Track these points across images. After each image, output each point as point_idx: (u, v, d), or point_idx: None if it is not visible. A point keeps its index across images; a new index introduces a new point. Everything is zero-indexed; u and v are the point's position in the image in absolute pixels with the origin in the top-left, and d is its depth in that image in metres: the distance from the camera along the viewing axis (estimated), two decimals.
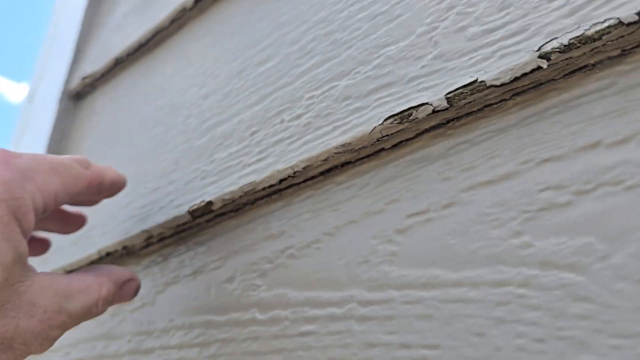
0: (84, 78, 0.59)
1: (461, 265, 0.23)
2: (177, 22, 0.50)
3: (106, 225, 0.45)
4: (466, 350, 0.22)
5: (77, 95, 0.62)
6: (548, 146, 0.22)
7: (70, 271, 0.48)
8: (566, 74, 0.23)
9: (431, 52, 0.27)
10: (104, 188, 0.32)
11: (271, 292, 0.30)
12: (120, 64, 0.56)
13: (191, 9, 0.48)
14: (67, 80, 0.61)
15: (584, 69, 0.22)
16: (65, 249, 0.48)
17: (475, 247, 0.23)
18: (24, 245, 0.25)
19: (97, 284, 0.29)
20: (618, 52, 0.22)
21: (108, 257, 0.44)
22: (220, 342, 0.32)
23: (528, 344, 0.20)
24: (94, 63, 0.59)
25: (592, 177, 0.21)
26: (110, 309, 0.43)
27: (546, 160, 0.22)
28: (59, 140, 0.59)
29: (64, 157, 0.30)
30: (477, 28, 0.25)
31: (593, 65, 0.22)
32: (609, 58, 0.22)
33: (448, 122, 0.26)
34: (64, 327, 0.26)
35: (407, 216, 0.26)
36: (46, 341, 0.25)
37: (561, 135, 0.22)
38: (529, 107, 0.24)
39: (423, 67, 0.27)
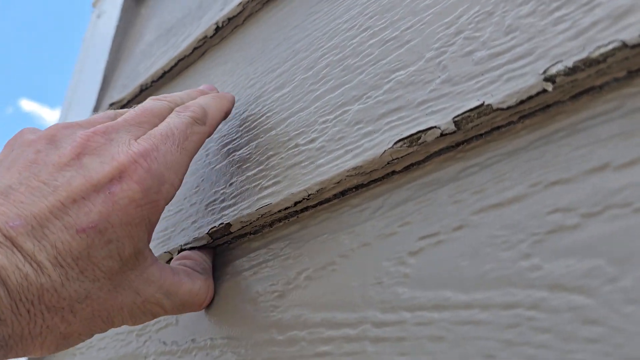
0: (111, 104, 0.61)
1: (471, 287, 0.23)
2: (198, 50, 0.52)
3: None
4: None
5: None
6: (556, 169, 0.23)
7: None
8: (573, 96, 0.23)
9: (439, 77, 0.27)
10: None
11: (289, 313, 0.31)
12: (145, 91, 0.58)
13: (212, 37, 0.50)
14: (96, 107, 0.64)
15: (590, 91, 0.23)
16: None
17: (486, 270, 0.23)
18: (144, 240, 0.28)
19: (205, 288, 0.34)
20: (624, 73, 0.22)
21: None
22: None
23: None
24: (121, 90, 0.61)
25: (600, 199, 0.21)
26: (136, 328, 0.44)
27: (555, 183, 0.22)
28: None
29: (186, 122, 0.32)
30: (484, 52, 0.26)
31: (600, 87, 0.22)
32: (615, 80, 0.22)
33: (458, 145, 0.26)
34: (157, 316, 0.31)
35: (419, 238, 0.26)
36: (139, 320, 0.30)
37: (569, 158, 0.22)
38: (538, 130, 0.24)
39: (432, 91, 0.27)
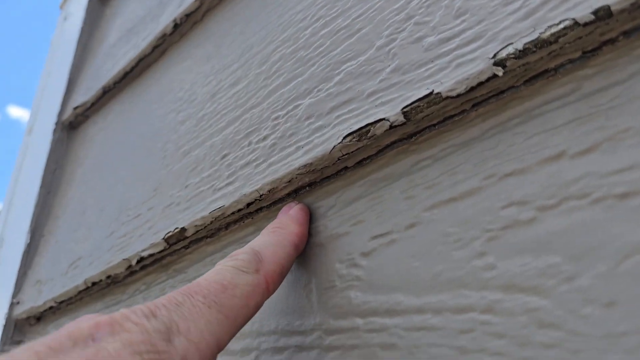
0: (75, 108, 0.59)
1: (424, 290, 0.22)
2: (159, 49, 0.50)
3: (92, 255, 0.44)
4: None
5: (70, 125, 0.62)
6: (511, 159, 0.21)
7: (60, 302, 0.47)
8: (527, 80, 0.21)
9: (389, 66, 0.25)
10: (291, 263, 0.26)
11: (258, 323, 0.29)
12: (108, 93, 0.56)
13: (171, 34, 0.48)
14: (61, 111, 0.62)
15: (545, 75, 0.21)
16: (56, 280, 0.48)
17: (438, 270, 0.21)
18: None
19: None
20: (579, 54, 0.20)
21: (94, 287, 0.43)
22: None
23: None
24: (85, 93, 0.59)
25: (556, 191, 0.19)
26: None
27: (509, 175, 0.21)
28: (53, 170, 0.60)
29: (226, 279, 0.22)
30: (434, 37, 0.24)
31: (555, 70, 0.21)
32: (570, 61, 0.20)
33: (411, 136, 0.25)
34: None
35: (372, 238, 0.25)
36: None
37: (524, 147, 0.21)
38: (491, 118, 0.22)
39: (381, 81, 0.25)
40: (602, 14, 0.19)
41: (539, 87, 0.21)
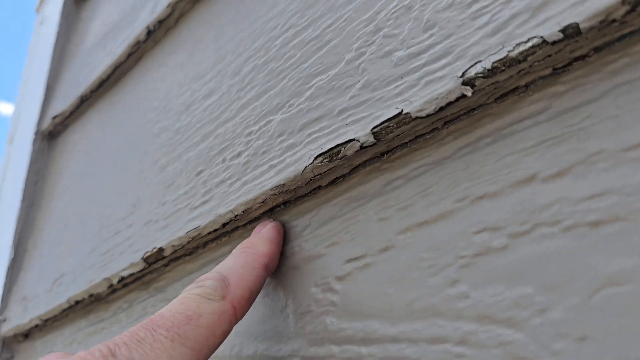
0: (54, 117, 0.58)
1: (399, 318, 0.21)
2: (134, 56, 0.48)
3: (75, 272, 0.43)
4: None
5: (50, 135, 0.61)
6: (482, 181, 0.20)
7: (46, 320, 0.47)
8: (498, 97, 0.21)
9: (359, 81, 0.24)
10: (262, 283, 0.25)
11: (222, 345, 0.29)
12: (86, 101, 0.55)
13: (145, 41, 0.47)
14: (40, 121, 0.61)
15: (516, 91, 0.20)
16: (41, 297, 0.47)
17: (413, 298, 0.21)
18: None
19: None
20: (549, 71, 0.19)
21: (78, 305, 0.43)
22: None
23: None
24: (63, 102, 0.58)
25: (527, 216, 0.18)
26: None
27: (481, 197, 0.20)
28: (35, 182, 0.59)
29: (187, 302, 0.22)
30: (403, 52, 0.23)
31: (526, 86, 0.20)
32: (541, 78, 0.20)
33: (383, 154, 0.24)
34: None
35: (346, 261, 0.24)
36: None
37: (495, 169, 0.20)
38: (463, 137, 0.21)
39: (351, 97, 0.24)
40: (571, 32, 0.18)
41: (510, 105, 0.20)
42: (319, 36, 0.28)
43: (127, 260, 0.37)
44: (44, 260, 0.50)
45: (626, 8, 0.17)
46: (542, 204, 0.18)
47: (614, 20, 0.17)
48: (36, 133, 0.60)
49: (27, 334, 0.51)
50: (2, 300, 0.53)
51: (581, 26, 0.17)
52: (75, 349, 0.43)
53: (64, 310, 0.44)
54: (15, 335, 0.51)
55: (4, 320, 0.52)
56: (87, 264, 0.42)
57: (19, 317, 0.49)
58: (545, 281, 0.17)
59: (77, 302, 0.42)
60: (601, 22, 0.17)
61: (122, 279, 0.37)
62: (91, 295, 0.41)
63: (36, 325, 0.48)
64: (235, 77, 0.34)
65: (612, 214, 0.17)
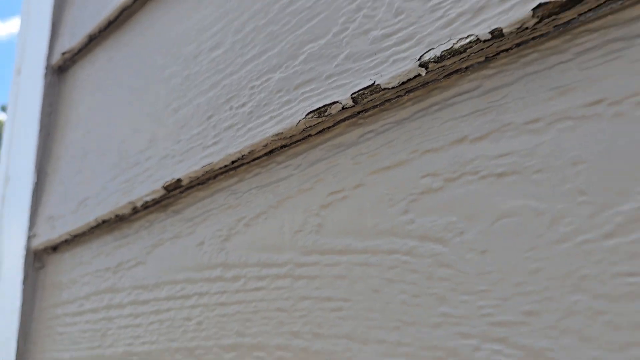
0: (64, 54, 0.63)
1: (366, 237, 0.29)
2: (139, 0, 0.53)
3: (99, 196, 0.51)
4: (367, 304, 0.28)
5: (59, 69, 0.66)
6: (429, 139, 0.27)
7: (76, 235, 0.55)
8: (446, 75, 0.27)
9: (343, 52, 0.31)
10: None
11: (232, 255, 0.37)
12: (94, 40, 0.59)
13: None
14: (49, 56, 0.65)
15: (459, 72, 0.27)
16: (68, 217, 0.55)
17: (376, 222, 0.29)
18: None
19: None
20: (483, 58, 0.26)
21: (104, 224, 0.51)
22: (198, 295, 0.39)
23: (408, 299, 0.26)
24: (70, 39, 0.62)
25: (458, 167, 0.26)
26: (113, 266, 0.50)
27: (427, 151, 0.27)
28: (49, 113, 0.64)
29: None
30: (378, 32, 0.29)
31: (466, 68, 0.27)
32: (477, 63, 0.26)
33: (359, 113, 0.31)
34: None
35: (329, 194, 0.31)
36: None
37: (440, 130, 0.27)
38: (418, 103, 0.28)
39: (337, 66, 0.31)
40: (497, 34, 0.24)
41: (454, 80, 0.27)
42: (311, 7, 0.33)
43: (149, 188, 0.44)
44: (65, 186, 0.57)
45: (535, 20, 0.23)
46: (468, 159, 0.26)
47: (527, 28, 0.24)
48: (46, 68, 0.65)
49: (55, 247, 0.59)
50: (30, 219, 0.60)
51: (504, 30, 0.24)
52: (103, 261, 0.51)
53: (92, 228, 0.52)
54: (45, 249, 0.60)
55: (34, 235, 0.60)
56: (111, 190, 0.49)
57: (48, 233, 0.57)
58: (465, 213, 0.25)
59: (103, 221, 0.50)
60: (518, 28, 0.24)
61: (145, 203, 0.44)
62: (117, 216, 0.48)
63: (65, 240, 0.56)
64: (238, 35, 0.39)
65: (512, 169, 0.24)
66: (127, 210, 0.47)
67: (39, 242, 0.59)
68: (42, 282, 0.59)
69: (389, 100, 0.29)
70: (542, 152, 0.23)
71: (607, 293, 0.20)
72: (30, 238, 0.60)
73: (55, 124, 0.64)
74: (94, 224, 0.51)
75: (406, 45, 0.27)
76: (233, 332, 0.35)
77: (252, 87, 0.36)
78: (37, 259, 0.61)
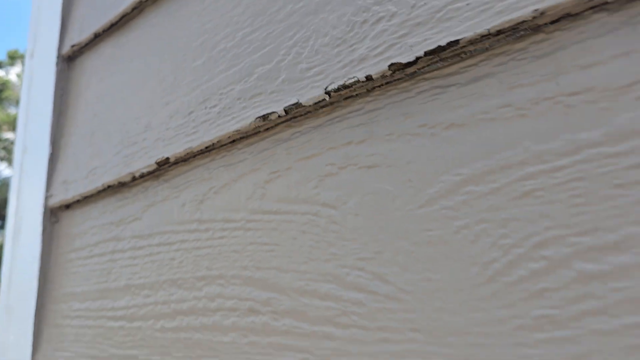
0: (73, 46, 0.75)
1: (291, 202, 0.43)
2: (137, 9, 0.65)
3: (105, 166, 0.65)
4: (289, 247, 0.43)
5: (69, 58, 0.78)
6: (332, 140, 0.41)
7: (86, 197, 0.69)
8: (345, 98, 0.41)
9: (281, 77, 0.44)
10: None
11: (205, 213, 0.51)
12: (98, 37, 0.72)
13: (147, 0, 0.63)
14: (59, 47, 0.78)
15: (351, 97, 0.41)
16: (79, 182, 0.69)
17: (297, 193, 0.43)
18: None
19: None
20: (365, 90, 0.40)
21: (109, 188, 0.65)
22: (180, 242, 0.54)
23: (313, 244, 0.41)
24: (79, 33, 0.75)
25: (346, 160, 0.40)
26: (116, 221, 0.65)
27: (330, 148, 0.41)
28: (61, 95, 0.77)
29: None
30: (304, 65, 0.43)
31: (356, 95, 0.41)
32: (363, 92, 0.40)
33: (291, 118, 0.45)
34: None
35: (270, 173, 0.46)
36: None
37: (338, 135, 0.41)
38: (327, 115, 0.42)
39: (277, 85, 0.45)
40: (370, 77, 0.38)
41: (349, 103, 0.41)
42: (263, 39, 0.47)
43: (144, 162, 0.58)
44: (77, 157, 0.71)
45: (391, 71, 0.37)
46: (352, 155, 0.40)
47: (387, 75, 0.38)
48: (58, 57, 0.77)
49: (68, 206, 0.73)
50: (47, 183, 0.74)
51: (374, 76, 0.38)
52: (108, 217, 0.65)
53: (99, 191, 0.66)
54: (60, 207, 0.74)
55: (51, 196, 0.74)
56: (115, 162, 0.63)
57: (62, 194, 0.71)
58: (348, 190, 0.40)
59: (109, 186, 0.64)
60: (382, 76, 0.38)
61: (142, 173, 0.59)
62: (119, 182, 0.62)
63: (77, 200, 0.70)
64: (213, 51, 0.52)
65: (376, 164, 0.38)
66: (127, 179, 0.61)
67: (54, 201, 0.73)
68: (57, 233, 0.74)
69: (310, 112, 0.43)
70: (393, 154, 0.38)
71: (417, 241, 0.35)
72: (47, 198, 0.74)
73: (67, 106, 0.77)
74: (101, 188, 0.65)
75: (319, 77, 0.41)
76: (204, 267, 0.50)
77: (221, 94, 0.50)
78: (53, 215, 0.75)
